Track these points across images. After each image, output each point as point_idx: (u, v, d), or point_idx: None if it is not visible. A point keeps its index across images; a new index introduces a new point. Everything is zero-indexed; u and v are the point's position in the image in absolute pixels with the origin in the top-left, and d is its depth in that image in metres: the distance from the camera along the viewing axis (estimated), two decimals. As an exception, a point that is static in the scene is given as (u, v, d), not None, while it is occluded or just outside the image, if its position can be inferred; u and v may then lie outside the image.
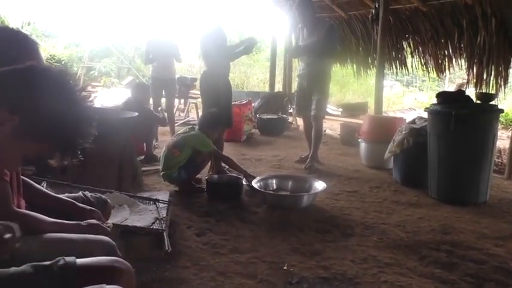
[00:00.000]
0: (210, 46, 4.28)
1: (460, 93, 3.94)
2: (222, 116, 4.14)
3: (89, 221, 1.53)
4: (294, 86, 9.55)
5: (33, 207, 1.47)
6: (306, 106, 4.88)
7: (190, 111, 9.34)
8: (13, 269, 1.12)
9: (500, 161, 5.19)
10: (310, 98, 4.80)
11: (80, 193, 1.77)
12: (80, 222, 1.51)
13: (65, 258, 1.15)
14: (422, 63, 7.32)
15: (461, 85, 7.90)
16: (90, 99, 1.21)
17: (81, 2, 14.81)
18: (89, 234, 1.45)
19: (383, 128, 4.96)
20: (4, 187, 1.27)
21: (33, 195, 1.58)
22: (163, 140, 5.67)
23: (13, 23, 10.50)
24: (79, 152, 1.22)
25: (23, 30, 1.86)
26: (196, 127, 3.93)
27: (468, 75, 6.34)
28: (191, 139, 3.70)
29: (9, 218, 1.29)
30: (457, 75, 13.62)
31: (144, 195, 2.93)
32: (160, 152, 4.06)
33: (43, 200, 1.60)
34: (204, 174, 4.05)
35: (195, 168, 3.77)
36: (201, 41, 4.43)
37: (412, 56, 7.48)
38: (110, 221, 1.77)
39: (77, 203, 1.61)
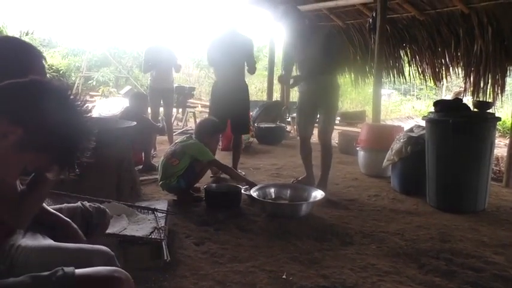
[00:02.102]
0: (229, 50, 4.41)
1: (457, 102, 3.96)
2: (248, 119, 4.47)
3: None
4: (292, 95, 9.64)
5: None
6: (306, 124, 4.31)
7: (189, 121, 9.36)
8: (11, 279, 1.12)
9: (498, 168, 5.21)
10: (313, 116, 4.29)
11: (79, 203, 1.76)
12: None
13: (64, 268, 1.14)
14: (420, 71, 7.36)
15: (459, 93, 7.93)
16: (90, 112, 1.23)
17: (79, 12, 14.92)
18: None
19: (381, 136, 4.97)
20: (9, 185, 1.27)
21: None
22: (161, 149, 5.68)
23: (11, 33, 10.53)
24: (76, 166, 1.22)
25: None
26: (193, 136, 3.93)
27: (465, 83, 6.39)
28: (190, 148, 3.70)
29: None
30: (454, 84, 13.71)
31: (143, 205, 2.93)
32: (158, 161, 4.06)
33: (40, 213, 1.59)
34: (202, 183, 4.04)
35: (194, 177, 3.76)
36: (213, 45, 4.57)
37: (410, 65, 7.51)
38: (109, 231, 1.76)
39: (72, 223, 1.57)
